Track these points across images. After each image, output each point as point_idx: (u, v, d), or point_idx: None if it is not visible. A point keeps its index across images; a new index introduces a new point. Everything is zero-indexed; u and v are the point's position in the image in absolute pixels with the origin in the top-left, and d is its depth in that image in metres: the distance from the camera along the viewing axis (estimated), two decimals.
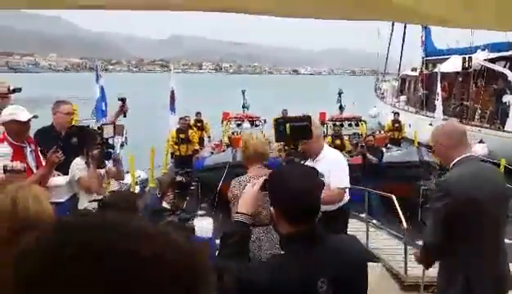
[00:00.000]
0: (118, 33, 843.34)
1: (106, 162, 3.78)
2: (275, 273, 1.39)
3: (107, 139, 3.68)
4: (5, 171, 2.64)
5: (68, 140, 3.74)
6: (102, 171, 3.67)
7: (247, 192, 1.65)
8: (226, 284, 1.47)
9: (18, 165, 2.62)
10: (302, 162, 1.98)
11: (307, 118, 2.26)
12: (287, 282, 1.36)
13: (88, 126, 4.30)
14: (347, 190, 3.56)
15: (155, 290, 0.45)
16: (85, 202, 3.43)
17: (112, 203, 2.12)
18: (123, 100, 4.34)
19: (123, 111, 4.37)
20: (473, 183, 2.28)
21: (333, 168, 3.36)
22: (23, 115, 3.32)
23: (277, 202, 1.49)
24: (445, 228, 2.28)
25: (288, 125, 2.06)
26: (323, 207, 3.48)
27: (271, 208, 1.50)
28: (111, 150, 3.75)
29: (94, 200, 2.94)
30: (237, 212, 1.61)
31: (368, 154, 8.10)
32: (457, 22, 1.35)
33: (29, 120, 3.36)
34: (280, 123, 2.18)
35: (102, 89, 8.66)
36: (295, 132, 2.04)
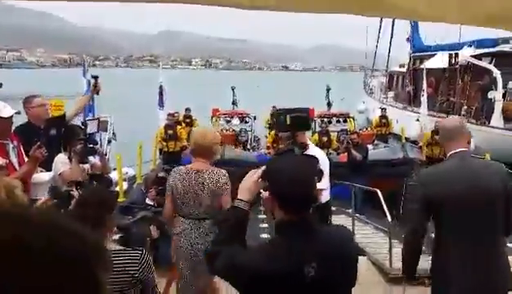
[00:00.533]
0: (106, 29, 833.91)
1: (92, 157, 3.77)
2: (265, 257, 1.44)
3: (90, 134, 3.67)
4: None
5: (48, 133, 3.73)
6: (86, 165, 3.65)
7: (247, 179, 1.69)
8: (217, 268, 1.53)
9: None
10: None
11: (306, 110, 2.35)
12: (276, 266, 1.40)
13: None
14: (327, 191, 3.60)
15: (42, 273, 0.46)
16: None
17: (83, 199, 2.13)
18: (95, 77, 4.29)
19: (96, 89, 4.33)
20: (451, 176, 2.30)
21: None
22: (5, 111, 3.28)
23: (273, 189, 1.52)
24: (421, 216, 2.34)
25: (288, 116, 2.12)
26: None
27: (266, 194, 1.54)
28: (95, 146, 3.74)
29: (72, 182, 2.91)
30: (236, 198, 1.66)
31: (353, 151, 8.19)
32: (424, 16, 1.38)
33: (12, 116, 3.33)
34: (280, 114, 2.24)
35: (89, 84, 8.60)
36: (295, 123, 2.10)
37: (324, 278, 1.41)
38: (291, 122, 2.08)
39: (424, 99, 13.55)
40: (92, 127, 3.76)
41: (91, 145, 3.67)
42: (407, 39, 21.87)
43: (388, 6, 1.33)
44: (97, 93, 4.35)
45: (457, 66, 16.43)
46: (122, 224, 3.25)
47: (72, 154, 3.50)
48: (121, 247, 2.14)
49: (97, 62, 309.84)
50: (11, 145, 3.36)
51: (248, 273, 1.43)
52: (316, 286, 1.41)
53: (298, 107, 2.35)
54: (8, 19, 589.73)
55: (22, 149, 3.46)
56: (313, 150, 3.62)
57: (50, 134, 3.81)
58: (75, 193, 2.58)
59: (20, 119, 3.65)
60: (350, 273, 1.54)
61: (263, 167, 1.68)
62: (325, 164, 3.55)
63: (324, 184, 3.49)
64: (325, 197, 3.60)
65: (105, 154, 4.12)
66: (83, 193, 2.45)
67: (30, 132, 3.75)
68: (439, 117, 14.21)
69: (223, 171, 3.02)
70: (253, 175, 1.66)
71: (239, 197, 1.65)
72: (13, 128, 3.85)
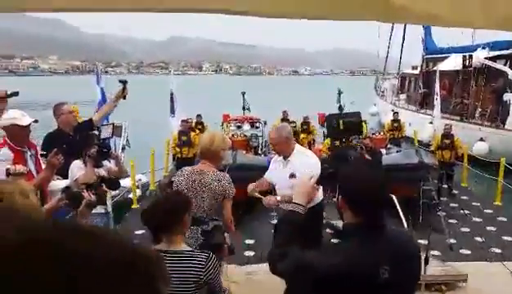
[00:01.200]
0: (118, 36, 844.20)
1: (107, 162, 3.80)
2: (341, 259, 1.45)
3: (104, 139, 3.69)
4: (8, 174, 2.68)
5: (79, 136, 3.78)
6: (102, 170, 3.68)
7: (303, 184, 1.74)
8: (284, 268, 1.55)
9: (21, 168, 2.67)
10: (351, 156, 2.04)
11: (358, 114, 2.39)
12: (352, 268, 1.41)
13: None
14: (319, 189, 3.59)
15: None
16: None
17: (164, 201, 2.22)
18: (124, 82, 4.30)
19: (123, 94, 4.34)
20: None
21: (306, 167, 3.42)
22: (24, 120, 3.34)
23: (346, 193, 1.55)
24: None
25: (341, 121, 2.13)
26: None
27: (341, 198, 1.56)
28: (109, 151, 3.76)
29: (83, 184, 2.94)
30: (292, 202, 1.71)
31: (366, 156, 8.12)
32: (446, 21, 1.36)
33: (30, 124, 3.37)
34: (332, 119, 2.25)
35: (103, 91, 8.70)
36: (348, 128, 2.13)
37: (396, 278, 1.43)
38: (344, 127, 2.08)
39: (437, 102, 13.39)
40: (106, 132, 3.78)
41: (105, 150, 3.69)
42: (422, 41, 21.73)
43: (410, 13, 1.32)
44: (124, 98, 4.36)
45: (471, 68, 16.23)
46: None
47: (87, 159, 3.54)
48: (189, 249, 2.19)
49: (109, 69, 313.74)
50: (29, 153, 3.40)
51: (323, 274, 1.43)
52: (388, 287, 1.43)
53: (350, 111, 2.35)
54: (22, 27, 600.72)
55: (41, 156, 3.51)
56: (300, 152, 3.68)
57: (82, 136, 3.89)
58: (86, 194, 2.63)
59: (39, 126, 3.69)
60: (417, 272, 1.59)
61: (317, 174, 1.76)
62: (311, 163, 3.56)
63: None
64: (320, 194, 3.62)
65: (119, 157, 4.12)
66: (163, 197, 2.53)
67: (61, 138, 3.82)
68: (453, 119, 14.03)
69: (227, 175, 3.06)
70: (311, 181, 1.72)
71: (296, 201, 1.70)
72: (44, 136, 3.94)
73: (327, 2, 1.28)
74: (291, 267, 1.51)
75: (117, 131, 4.01)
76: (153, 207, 2.13)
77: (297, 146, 3.73)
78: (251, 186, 3.68)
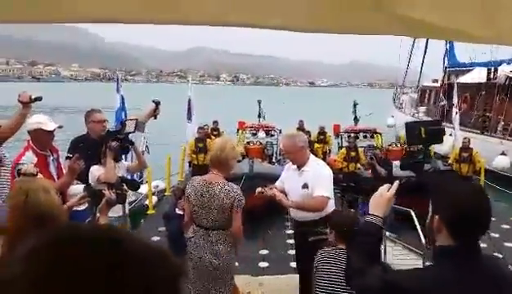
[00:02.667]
0: (138, 45, 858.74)
1: (124, 162, 3.86)
2: (432, 282, 1.35)
3: (127, 134, 3.76)
4: (19, 174, 2.73)
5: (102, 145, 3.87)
6: (122, 165, 3.75)
7: (381, 195, 1.65)
8: (368, 285, 1.45)
9: (31, 169, 2.72)
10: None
11: (439, 122, 2.34)
12: (444, 292, 1.33)
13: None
14: (331, 200, 3.60)
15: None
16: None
17: None
18: (157, 103, 4.38)
19: (154, 114, 4.44)
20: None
21: (319, 179, 3.47)
22: (49, 125, 3.44)
23: (444, 214, 1.41)
24: None
25: (423, 128, 2.08)
26: (310, 216, 3.56)
27: (436, 217, 1.42)
28: (130, 146, 3.82)
29: (104, 183, 3.03)
30: (370, 214, 1.62)
31: (377, 166, 8.06)
32: (475, 37, 1.35)
33: (54, 130, 3.48)
34: (413, 127, 2.21)
35: (122, 99, 8.87)
36: (430, 135, 2.07)
37: None
38: (426, 135, 2.03)
39: (456, 115, 13.19)
40: (129, 127, 3.85)
41: (126, 144, 3.75)
42: (445, 53, 21.54)
43: (438, 29, 1.30)
44: (155, 117, 4.43)
45: (496, 81, 15.98)
46: None
47: (107, 151, 3.57)
48: None
49: (129, 77, 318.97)
50: (52, 157, 3.49)
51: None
52: None
53: (430, 119, 2.31)
54: (45, 35, 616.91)
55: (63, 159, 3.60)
56: (314, 163, 3.67)
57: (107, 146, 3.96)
58: (107, 192, 2.69)
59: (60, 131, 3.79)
60: None
61: (396, 183, 1.67)
62: (326, 174, 3.59)
63: (328, 192, 3.51)
64: (330, 206, 3.61)
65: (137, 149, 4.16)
66: None
67: (86, 144, 3.89)
68: (473, 132, 13.81)
69: (235, 186, 3.04)
70: (389, 192, 1.64)
71: (373, 212, 1.61)
72: (72, 139, 4.04)
73: (357, 17, 1.26)
74: (375, 285, 1.41)
75: (140, 126, 4.06)
76: None
77: (311, 156, 3.70)
78: (260, 189, 3.62)
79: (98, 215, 2.64)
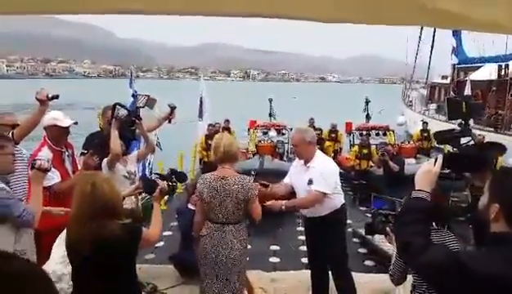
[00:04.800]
0: (150, 41, 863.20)
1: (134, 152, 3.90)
2: (499, 266, 1.34)
3: (138, 108, 3.81)
4: (32, 167, 2.75)
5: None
6: (133, 155, 3.81)
7: (427, 169, 1.63)
8: (428, 260, 1.41)
9: (44, 163, 2.74)
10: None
11: (478, 98, 2.27)
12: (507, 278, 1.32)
13: None
14: (335, 195, 3.64)
15: None
16: (122, 171, 3.65)
17: None
18: (172, 107, 4.44)
19: (169, 118, 4.48)
20: None
21: (323, 175, 3.52)
22: (64, 121, 3.53)
23: (503, 200, 1.43)
24: None
25: (464, 103, 2.05)
26: (318, 212, 3.57)
27: (496, 205, 1.42)
28: (137, 120, 3.85)
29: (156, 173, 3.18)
30: (417, 189, 1.60)
31: (390, 162, 8.02)
32: (505, 28, 1.34)
33: (69, 126, 3.56)
34: (454, 102, 2.17)
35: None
36: (471, 110, 2.03)
37: None
38: (467, 109, 2.00)
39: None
40: (140, 101, 3.88)
41: (133, 118, 3.80)
42: (452, 50, 21.21)
43: (467, 20, 1.29)
44: (169, 121, 4.51)
45: (507, 78, 15.72)
46: None
47: (113, 121, 3.61)
48: None
49: (141, 73, 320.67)
50: (67, 153, 3.58)
51: (482, 278, 1.34)
52: None
53: (470, 94, 2.23)
54: (59, 32, 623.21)
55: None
56: (320, 159, 3.68)
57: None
58: (161, 182, 2.89)
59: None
60: None
61: (440, 157, 1.64)
62: (329, 171, 3.62)
63: (327, 188, 3.54)
64: (338, 202, 3.66)
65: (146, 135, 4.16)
66: None
67: (101, 140, 3.89)
68: (486, 130, 13.62)
69: (248, 178, 3.11)
70: (435, 166, 1.61)
71: (420, 188, 1.59)
72: (88, 135, 4.10)
73: (381, 6, 1.26)
74: (440, 262, 1.39)
75: (151, 102, 4.11)
76: None
77: (319, 153, 3.72)
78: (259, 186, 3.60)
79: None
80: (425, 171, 1.63)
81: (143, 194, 7.24)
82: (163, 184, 2.88)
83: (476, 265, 1.35)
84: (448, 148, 13.91)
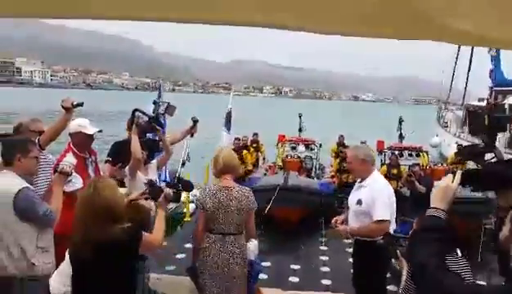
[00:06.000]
0: (188, 56, 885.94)
1: (153, 161, 3.94)
2: None
3: (158, 114, 3.87)
4: (55, 171, 2.94)
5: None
6: (153, 164, 3.84)
7: (444, 186, 1.51)
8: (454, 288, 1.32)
9: (66, 168, 2.93)
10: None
11: (504, 109, 2.13)
12: None
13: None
14: (392, 221, 3.52)
15: None
16: (142, 179, 3.64)
17: None
18: (195, 121, 4.50)
19: (191, 131, 4.54)
20: None
21: (376, 198, 3.41)
22: (90, 129, 3.62)
23: None
24: None
25: (487, 116, 1.92)
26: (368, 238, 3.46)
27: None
28: (159, 127, 3.91)
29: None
30: (433, 207, 1.51)
31: (417, 184, 7.73)
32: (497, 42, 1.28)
33: (94, 133, 3.64)
34: (477, 115, 2.05)
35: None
36: (494, 124, 1.89)
37: None
38: (489, 123, 1.84)
39: (501, 135, 12.42)
40: (161, 108, 3.93)
41: (153, 124, 3.86)
42: (490, 72, 20.54)
43: (460, 33, 1.25)
44: (192, 135, 4.60)
45: None
46: None
47: (133, 127, 3.68)
48: None
49: (177, 87, 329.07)
50: (90, 159, 3.65)
51: None
52: None
53: (493, 103, 2.09)
54: (100, 44, 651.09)
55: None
56: (376, 179, 3.60)
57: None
58: (166, 189, 2.93)
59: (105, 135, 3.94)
60: None
61: (459, 173, 1.53)
62: (385, 195, 3.52)
63: (387, 215, 3.44)
64: (393, 226, 3.56)
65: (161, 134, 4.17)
66: None
67: (126, 148, 3.97)
68: None
69: (248, 189, 3.22)
70: (453, 183, 1.51)
71: (436, 205, 1.49)
72: (113, 142, 4.19)
73: (398, 22, 1.22)
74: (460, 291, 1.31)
75: (171, 109, 4.20)
76: None
77: (375, 173, 3.65)
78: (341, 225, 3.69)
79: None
80: (442, 187, 1.51)
81: (171, 204, 7.32)
82: (168, 191, 2.91)
83: None
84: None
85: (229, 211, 3.07)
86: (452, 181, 1.53)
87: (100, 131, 3.69)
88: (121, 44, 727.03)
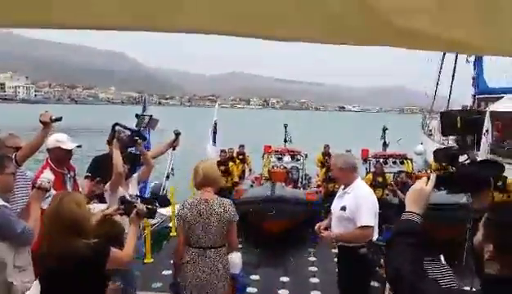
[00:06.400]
0: (174, 69, 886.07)
1: (135, 175, 3.89)
2: None
3: (140, 128, 3.82)
4: (33, 187, 2.87)
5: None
6: (133, 178, 3.80)
7: (418, 189, 1.50)
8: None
9: (45, 184, 2.85)
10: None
11: (479, 112, 2.14)
12: None
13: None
14: (375, 230, 3.54)
15: None
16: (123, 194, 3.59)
17: None
18: (177, 134, 4.47)
19: (173, 145, 4.50)
20: None
21: (360, 205, 3.43)
22: (68, 144, 3.56)
23: (498, 243, 1.29)
24: None
25: (459, 117, 1.93)
26: (351, 243, 3.47)
27: (489, 245, 1.28)
28: (143, 140, 3.86)
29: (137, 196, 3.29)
30: (407, 211, 1.49)
31: (399, 192, 7.81)
32: (478, 48, 1.29)
33: (72, 149, 3.58)
34: (448, 116, 2.07)
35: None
36: (467, 125, 1.89)
37: None
38: (462, 125, 1.88)
39: (484, 141, 12.60)
40: (143, 122, 3.89)
41: (136, 138, 3.81)
42: (473, 80, 21.01)
43: (433, 39, 1.24)
44: (174, 148, 4.56)
45: None
46: None
47: (114, 142, 3.61)
48: None
49: (163, 100, 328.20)
50: (68, 175, 3.58)
51: None
52: None
53: (468, 108, 2.12)
54: (84, 59, 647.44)
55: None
56: (360, 186, 3.64)
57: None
58: (139, 205, 2.87)
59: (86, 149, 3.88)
60: None
61: (433, 176, 1.53)
62: (370, 201, 3.56)
63: (371, 221, 3.47)
64: (376, 235, 3.57)
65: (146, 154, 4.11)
66: None
67: (106, 163, 3.89)
68: (506, 162, 13.18)
69: (229, 200, 3.19)
70: (427, 186, 1.49)
71: (410, 209, 1.47)
72: (94, 157, 4.12)
73: (343, 25, 1.21)
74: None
75: (153, 123, 4.16)
76: None
77: (358, 180, 3.69)
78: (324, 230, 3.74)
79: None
80: (416, 190, 1.50)
81: (156, 220, 7.19)
82: (141, 206, 2.86)
83: None
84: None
85: (209, 224, 3.03)
86: (426, 184, 1.52)
87: (79, 146, 3.63)
88: (109, 59, 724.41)
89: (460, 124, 1.81)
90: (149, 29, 1.28)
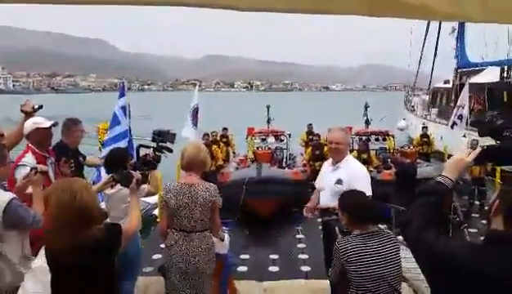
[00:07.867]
0: (154, 54, 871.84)
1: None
2: (475, 256, 1.34)
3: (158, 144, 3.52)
4: (35, 172, 2.87)
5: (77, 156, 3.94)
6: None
7: (459, 159, 1.61)
8: (414, 237, 1.46)
9: (43, 167, 2.97)
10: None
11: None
12: (486, 268, 1.30)
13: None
14: None
15: None
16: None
17: None
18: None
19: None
20: None
21: (358, 177, 3.47)
22: (45, 123, 3.49)
23: (502, 197, 1.42)
24: None
25: (505, 92, 1.91)
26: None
27: (497, 201, 1.41)
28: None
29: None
30: (442, 175, 1.60)
31: (399, 158, 7.91)
32: (442, 14, 1.32)
33: (51, 127, 3.51)
34: (494, 90, 2.01)
35: (123, 111, 7.76)
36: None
37: None
38: (508, 100, 1.81)
39: (464, 113, 12.80)
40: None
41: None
42: (455, 55, 21.23)
43: (401, 6, 1.27)
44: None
45: (509, 79, 15.58)
46: None
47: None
48: None
49: (146, 86, 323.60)
50: (50, 160, 3.52)
51: (453, 265, 1.35)
52: None
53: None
54: (65, 47, 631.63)
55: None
56: (352, 161, 3.72)
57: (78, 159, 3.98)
58: (135, 173, 2.84)
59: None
60: None
61: (478, 150, 1.61)
62: (366, 173, 3.68)
63: (370, 191, 3.46)
64: None
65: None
66: None
67: (62, 151, 3.82)
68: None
69: (214, 185, 3.14)
70: (468, 157, 1.59)
71: (445, 174, 1.58)
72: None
73: None
74: (429, 245, 1.41)
75: (170, 137, 3.59)
76: None
77: (350, 156, 3.77)
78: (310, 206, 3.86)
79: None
80: (455, 159, 1.61)
81: (142, 206, 7.10)
82: (137, 174, 2.85)
83: (465, 258, 1.34)
84: (448, 152, 13.65)
85: (193, 208, 3.01)
86: (468, 156, 1.62)
87: (54, 125, 3.54)
88: (88, 46, 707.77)
89: (507, 98, 1.82)
90: (116, 2, 1.25)
